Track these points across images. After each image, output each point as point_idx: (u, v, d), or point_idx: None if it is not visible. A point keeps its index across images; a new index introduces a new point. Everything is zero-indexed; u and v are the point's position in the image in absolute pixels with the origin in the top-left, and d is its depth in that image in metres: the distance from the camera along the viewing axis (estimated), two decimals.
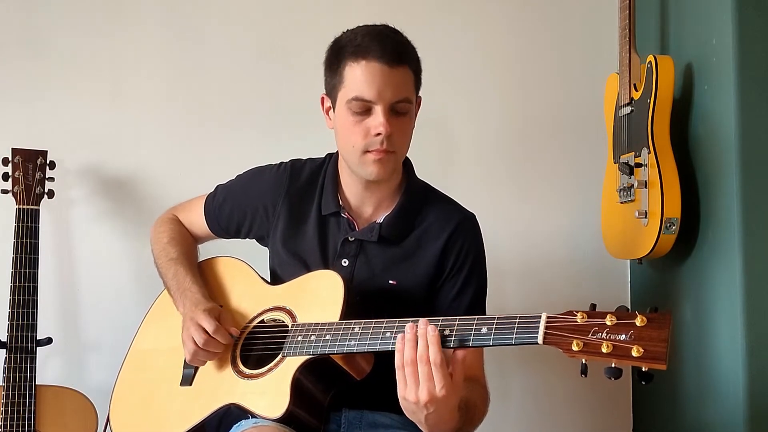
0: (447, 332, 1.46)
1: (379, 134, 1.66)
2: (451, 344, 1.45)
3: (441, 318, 1.49)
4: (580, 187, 2.62)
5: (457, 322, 1.47)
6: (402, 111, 1.68)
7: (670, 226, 2.08)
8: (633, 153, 2.20)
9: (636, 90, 2.21)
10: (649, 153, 2.12)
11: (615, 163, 2.32)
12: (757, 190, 1.94)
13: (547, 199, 2.64)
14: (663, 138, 2.13)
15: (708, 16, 2.09)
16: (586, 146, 2.61)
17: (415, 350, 1.44)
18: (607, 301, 2.70)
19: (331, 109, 1.75)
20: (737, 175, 1.95)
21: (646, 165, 2.14)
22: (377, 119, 1.65)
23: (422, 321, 1.46)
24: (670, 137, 2.14)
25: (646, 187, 2.14)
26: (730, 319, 1.98)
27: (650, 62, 2.14)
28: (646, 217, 2.13)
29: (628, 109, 2.24)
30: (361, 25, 1.73)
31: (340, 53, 1.69)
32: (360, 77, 1.65)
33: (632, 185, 2.19)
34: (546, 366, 2.57)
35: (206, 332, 1.67)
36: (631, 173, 2.19)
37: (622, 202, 2.26)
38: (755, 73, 1.95)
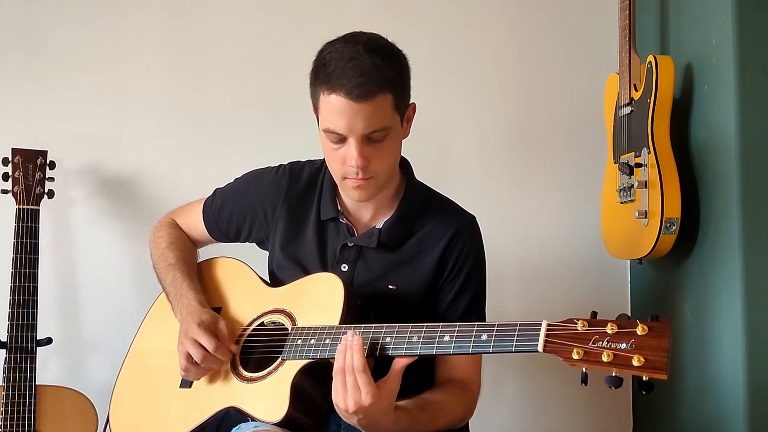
0: (447, 338, 1.45)
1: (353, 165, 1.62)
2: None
3: (441, 324, 1.49)
4: (580, 187, 2.61)
5: (457, 329, 1.46)
6: (378, 139, 1.62)
7: (670, 226, 2.07)
8: (633, 153, 2.20)
9: (636, 90, 2.20)
10: (649, 153, 2.12)
11: (615, 163, 2.32)
12: (757, 190, 1.94)
13: (547, 199, 2.63)
14: (663, 138, 2.13)
15: (708, 16, 2.08)
16: (586, 146, 2.60)
17: (344, 360, 1.47)
18: (607, 301, 2.70)
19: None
20: (737, 175, 1.95)
21: (646, 165, 2.13)
22: (351, 152, 1.61)
23: (349, 332, 1.49)
24: (670, 137, 2.14)
25: (646, 187, 2.13)
26: (730, 319, 1.98)
27: (650, 62, 2.14)
28: (646, 217, 2.13)
29: (628, 109, 2.24)
30: (346, 34, 1.65)
31: (316, 74, 1.62)
32: (330, 110, 1.59)
33: (632, 185, 2.19)
34: (546, 366, 2.56)
35: (205, 349, 1.66)
36: (631, 173, 2.19)
37: (622, 203, 2.26)
38: (755, 73, 1.94)
